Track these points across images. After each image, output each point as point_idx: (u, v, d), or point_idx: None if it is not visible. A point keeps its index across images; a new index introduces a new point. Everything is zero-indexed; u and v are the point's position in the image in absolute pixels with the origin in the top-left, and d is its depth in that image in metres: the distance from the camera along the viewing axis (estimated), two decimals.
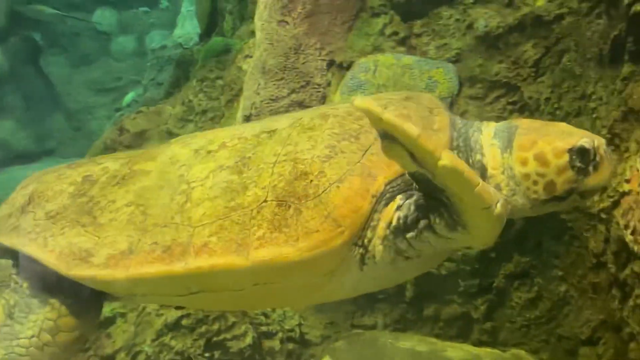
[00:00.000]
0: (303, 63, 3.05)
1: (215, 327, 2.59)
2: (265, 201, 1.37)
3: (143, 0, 10.35)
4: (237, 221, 1.36)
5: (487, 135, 1.47)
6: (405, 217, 1.36)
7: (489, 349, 2.28)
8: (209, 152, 1.52)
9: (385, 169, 1.37)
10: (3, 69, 8.38)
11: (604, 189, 1.81)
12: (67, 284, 1.49)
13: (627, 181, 2.00)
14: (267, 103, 3.10)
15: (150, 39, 9.68)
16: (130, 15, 10.33)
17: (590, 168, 1.39)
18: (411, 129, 1.11)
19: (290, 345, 2.64)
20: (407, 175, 1.33)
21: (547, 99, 2.26)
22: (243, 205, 1.38)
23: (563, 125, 1.49)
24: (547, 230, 2.24)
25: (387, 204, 1.36)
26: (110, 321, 2.62)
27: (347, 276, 1.41)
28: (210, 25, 4.97)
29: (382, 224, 1.37)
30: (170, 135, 4.44)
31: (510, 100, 2.31)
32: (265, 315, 2.72)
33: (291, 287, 1.44)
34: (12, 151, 8.22)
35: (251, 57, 3.50)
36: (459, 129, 1.48)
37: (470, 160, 1.45)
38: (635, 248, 2.00)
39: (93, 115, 9.63)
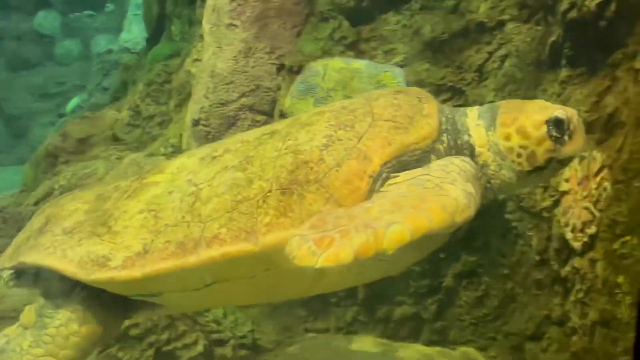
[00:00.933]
0: (253, 67, 3.04)
1: (165, 336, 2.54)
2: (270, 191, 1.47)
3: (88, 4, 10.04)
4: (244, 212, 1.46)
5: (472, 118, 1.59)
6: None
7: (439, 348, 2.33)
8: (214, 157, 1.62)
9: (380, 151, 1.46)
10: None
11: (580, 157, 1.96)
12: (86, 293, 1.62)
13: (567, 180, 2.11)
14: (217, 107, 3.08)
15: (95, 43, 9.43)
16: (74, 18, 10.02)
17: (566, 137, 1.53)
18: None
19: (243, 352, 2.61)
20: (402, 156, 1.48)
21: (491, 102, 2.34)
22: (249, 198, 1.47)
23: (540, 101, 1.64)
24: (493, 230, 2.31)
25: (383, 183, 1.45)
26: None
27: None
28: (158, 29, 4.87)
29: None
30: (117, 140, 4.33)
31: (455, 104, 2.38)
32: (217, 322, 2.68)
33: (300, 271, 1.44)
34: None
35: (200, 60, 3.45)
36: (447, 115, 1.59)
37: (459, 142, 1.57)
38: (575, 245, 2.10)
39: (35, 122, 9.28)
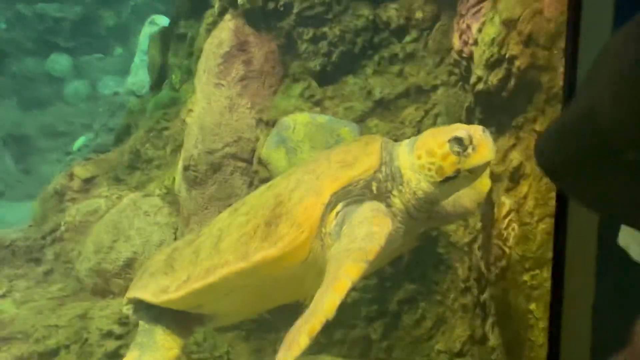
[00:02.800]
0: (236, 120, 3.51)
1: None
2: (258, 226, 2.05)
3: (98, 47, 10.59)
4: (243, 243, 2.06)
5: (402, 147, 2.06)
6: (342, 215, 1.98)
7: None
8: (236, 209, 2.26)
9: (331, 184, 2.00)
10: None
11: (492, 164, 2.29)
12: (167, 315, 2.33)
13: (481, 221, 2.53)
14: (204, 155, 3.54)
15: (103, 85, 9.92)
16: (84, 61, 10.47)
17: (470, 150, 1.90)
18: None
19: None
20: (348, 187, 1.99)
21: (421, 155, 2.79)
22: (247, 233, 2.07)
23: (456, 125, 2.05)
24: (428, 262, 2.73)
25: (332, 209, 1.98)
26: (55, 353, 2.91)
27: (319, 262, 1.99)
28: (160, 77, 5.20)
29: (329, 222, 1.98)
30: (118, 181, 4.79)
31: None
32: (198, 344, 3.07)
33: (286, 276, 2.07)
34: None
35: (193, 111, 3.95)
36: (388, 149, 2.06)
37: (393, 169, 2.02)
38: (489, 276, 2.50)
39: (43, 159, 9.52)
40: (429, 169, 1.97)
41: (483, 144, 1.92)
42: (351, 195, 2.01)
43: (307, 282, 2.10)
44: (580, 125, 0.93)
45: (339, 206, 2.01)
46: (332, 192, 2.00)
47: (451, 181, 1.97)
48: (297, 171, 2.18)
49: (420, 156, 1.98)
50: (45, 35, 10.49)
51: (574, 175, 0.98)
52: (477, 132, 1.92)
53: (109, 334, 2.94)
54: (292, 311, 2.27)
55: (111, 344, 2.91)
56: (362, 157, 2.06)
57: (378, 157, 2.03)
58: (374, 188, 2.03)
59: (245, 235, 2.08)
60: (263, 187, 2.30)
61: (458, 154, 1.92)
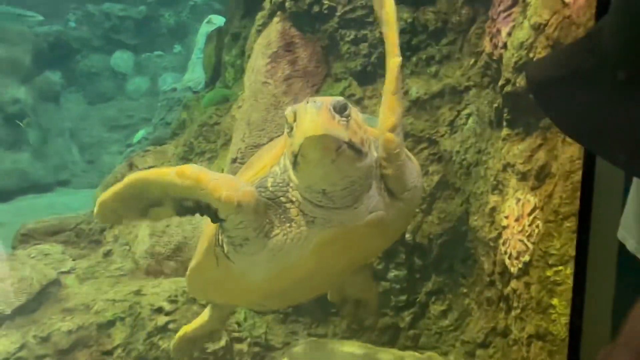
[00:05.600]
0: (280, 117, 3.73)
1: None
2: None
3: (158, 45, 11.11)
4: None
5: None
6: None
7: (411, 352, 2.85)
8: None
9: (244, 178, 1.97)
10: (26, 106, 9.06)
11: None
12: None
13: (506, 217, 2.63)
14: (250, 149, 3.76)
15: (162, 81, 10.34)
16: (145, 58, 10.97)
17: (294, 129, 1.60)
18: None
19: (257, 349, 3.22)
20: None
21: (457, 152, 2.91)
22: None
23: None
24: (457, 255, 2.85)
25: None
26: (111, 324, 3.20)
27: (231, 266, 1.92)
28: (215, 74, 5.40)
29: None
30: None
31: (431, 152, 2.97)
32: (238, 324, 3.32)
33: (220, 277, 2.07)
34: (29, 181, 8.66)
35: (241, 107, 4.22)
36: None
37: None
38: (512, 270, 2.60)
39: (106, 150, 10.03)
40: (287, 156, 1.74)
41: (301, 120, 1.54)
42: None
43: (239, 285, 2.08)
44: (580, 45, 0.96)
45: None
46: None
47: (300, 167, 1.65)
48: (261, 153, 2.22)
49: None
50: (110, 33, 11.12)
51: (560, 93, 0.97)
52: (300, 107, 1.57)
53: (159, 310, 3.21)
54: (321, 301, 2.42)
55: (161, 319, 3.20)
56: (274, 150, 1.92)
57: (280, 152, 1.83)
58: (269, 184, 1.82)
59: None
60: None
61: (289, 134, 1.64)
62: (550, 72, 1.01)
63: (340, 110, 1.60)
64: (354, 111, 1.70)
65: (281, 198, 1.79)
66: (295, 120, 1.59)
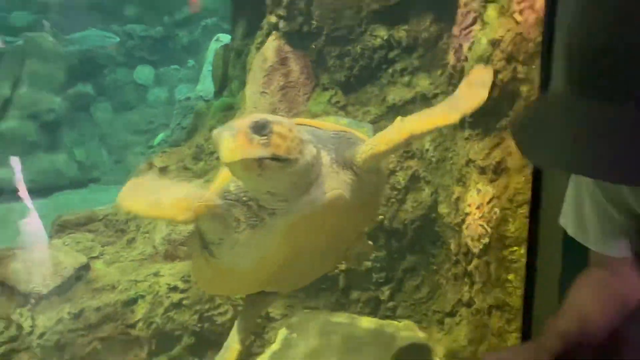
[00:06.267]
0: None
1: (207, 306, 3.16)
2: None
3: (175, 60, 11.04)
4: None
5: None
6: None
7: (389, 321, 2.87)
8: None
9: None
10: (62, 114, 9.14)
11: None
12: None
13: (469, 205, 2.63)
14: None
15: (178, 91, 10.30)
16: (164, 71, 10.92)
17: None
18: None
19: (259, 320, 3.22)
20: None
21: (427, 150, 2.92)
22: None
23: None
24: (428, 238, 2.86)
25: None
26: (134, 301, 3.19)
27: (218, 263, 1.78)
28: (222, 85, 5.37)
29: None
30: (186, 170, 5.11)
31: (405, 150, 2.97)
32: (242, 298, 3.33)
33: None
34: (65, 178, 8.69)
35: (243, 114, 4.20)
36: None
37: None
38: (475, 250, 2.61)
39: (130, 151, 9.98)
40: None
41: (219, 148, 1.39)
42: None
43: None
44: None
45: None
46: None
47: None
48: None
49: None
50: (133, 50, 11.05)
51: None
52: (216, 134, 1.40)
53: (174, 288, 3.19)
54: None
55: (176, 296, 3.19)
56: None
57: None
58: (232, 188, 1.68)
59: None
60: None
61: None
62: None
63: (260, 129, 1.40)
64: (281, 123, 1.46)
65: (243, 198, 1.67)
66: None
